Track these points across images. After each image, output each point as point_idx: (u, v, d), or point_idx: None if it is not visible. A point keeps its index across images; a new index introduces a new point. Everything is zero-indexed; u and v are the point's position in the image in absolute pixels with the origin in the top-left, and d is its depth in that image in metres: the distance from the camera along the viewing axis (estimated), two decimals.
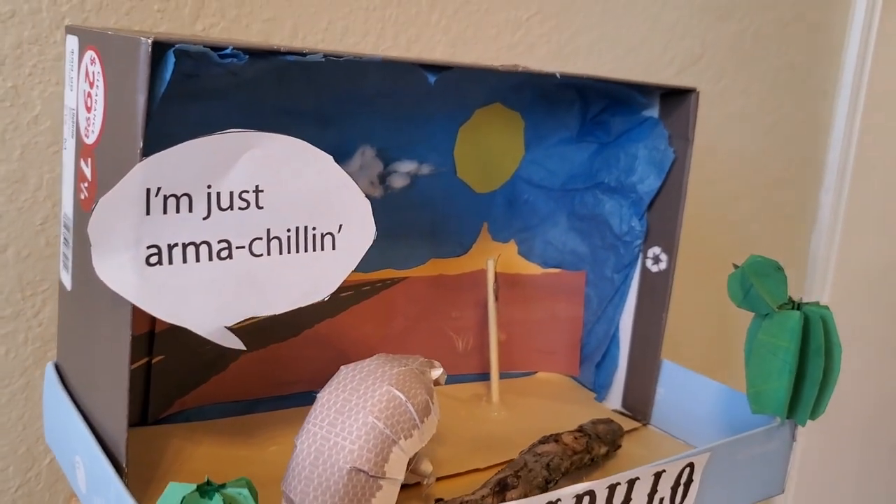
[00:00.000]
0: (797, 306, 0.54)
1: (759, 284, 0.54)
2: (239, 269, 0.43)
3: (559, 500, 0.45)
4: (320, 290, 0.46)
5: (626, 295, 0.68)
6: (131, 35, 0.40)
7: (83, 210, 0.46)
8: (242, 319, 0.44)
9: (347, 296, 0.65)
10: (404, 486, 0.52)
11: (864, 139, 1.20)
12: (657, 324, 0.65)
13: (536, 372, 0.74)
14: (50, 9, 0.63)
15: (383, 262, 0.66)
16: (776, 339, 0.54)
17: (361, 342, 0.65)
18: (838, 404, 1.01)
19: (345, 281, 0.64)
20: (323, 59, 0.45)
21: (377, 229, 0.65)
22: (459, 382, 0.70)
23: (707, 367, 0.67)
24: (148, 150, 0.40)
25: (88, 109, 0.45)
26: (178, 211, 0.41)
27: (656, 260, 0.65)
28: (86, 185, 0.46)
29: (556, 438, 0.52)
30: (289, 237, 0.44)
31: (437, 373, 0.50)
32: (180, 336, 0.56)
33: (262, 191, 0.43)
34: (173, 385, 0.57)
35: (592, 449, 0.54)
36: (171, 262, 0.41)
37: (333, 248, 0.46)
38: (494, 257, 0.66)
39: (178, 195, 0.41)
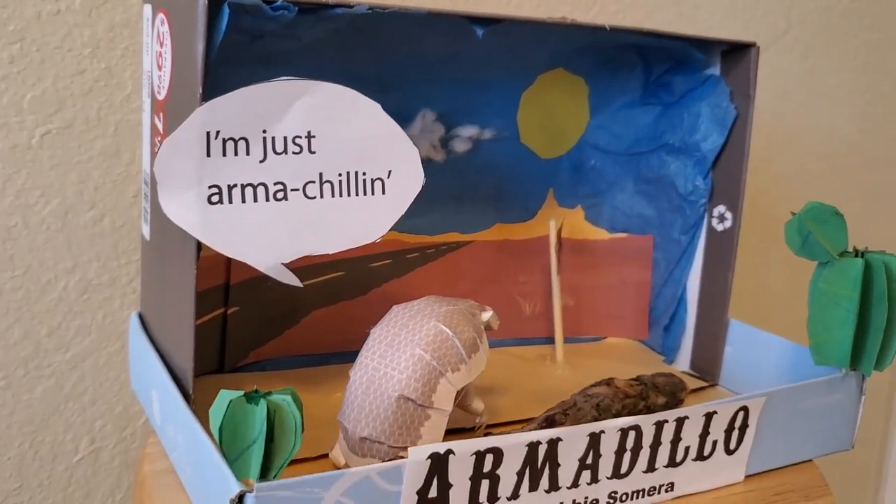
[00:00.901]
0: (860, 254, 0.53)
1: (818, 231, 0.53)
2: (293, 210, 0.46)
3: (603, 431, 0.45)
4: (371, 232, 0.48)
5: (693, 256, 0.68)
6: None
7: None
8: (297, 257, 0.46)
9: (413, 257, 0.67)
10: (460, 430, 0.53)
11: None
12: (723, 283, 0.65)
13: (605, 337, 0.74)
14: None
15: (448, 226, 0.68)
16: (837, 287, 0.53)
17: None
18: None
19: (411, 243, 0.67)
20: (369, 11, 0.48)
21: (440, 192, 0.67)
22: (526, 345, 0.71)
23: (779, 326, 0.66)
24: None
25: (160, 68, 0.49)
26: (236, 154, 0.44)
27: (721, 218, 0.65)
28: (159, 139, 0.50)
29: (608, 382, 0.53)
30: (340, 181, 0.47)
31: (486, 315, 0.51)
32: (253, 289, 0.60)
33: (314, 136, 0.46)
34: (248, 336, 0.61)
35: (648, 397, 0.54)
36: (230, 201, 0.44)
37: (383, 192, 0.48)
38: (557, 220, 0.68)
39: (236, 139, 0.44)
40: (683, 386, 0.59)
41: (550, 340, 0.71)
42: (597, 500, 0.47)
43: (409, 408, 0.45)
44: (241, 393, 0.37)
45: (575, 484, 0.46)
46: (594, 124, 0.71)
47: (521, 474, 0.43)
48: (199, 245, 0.45)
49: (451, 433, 0.51)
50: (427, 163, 0.65)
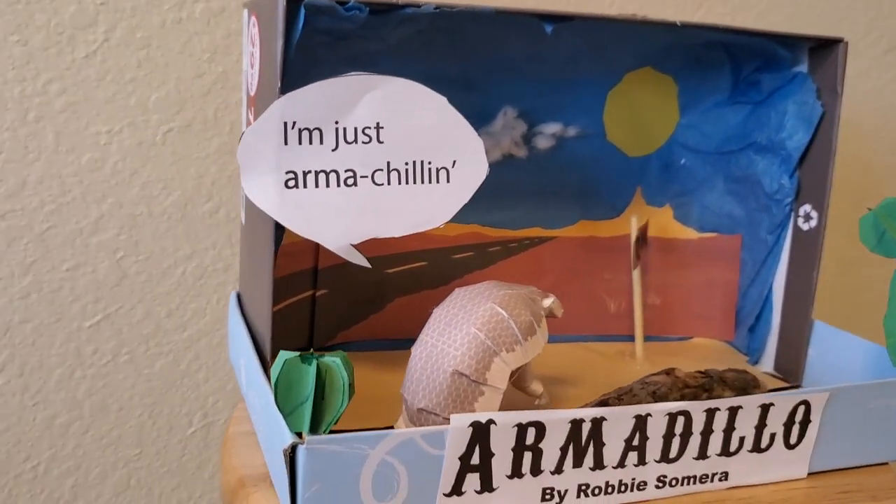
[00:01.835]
0: None
1: (894, 228, 0.52)
2: (362, 195, 0.49)
3: (650, 414, 0.46)
4: (435, 218, 0.51)
5: (780, 256, 0.67)
6: None
7: None
8: (364, 239, 0.50)
9: (495, 251, 0.69)
10: None
11: None
12: (808, 283, 0.64)
13: (692, 337, 0.74)
14: None
15: (531, 221, 0.70)
16: None
17: None
18: None
19: (493, 236, 0.70)
20: (436, 10, 0.51)
21: (523, 188, 0.69)
22: (610, 342, 0.72)
23: (864, 329, 0.64)
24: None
25: (252, 66, 0.54)
26: (310, 143, 0.48)
27: (807, 218, 0.64)
28: None
29: (668, 371, 0.53)
30: (406, 169, 0.50)
31: (548, 301, 0.53)
32: (339, 274, 0.65)
33: (382, 127, 0.49)
34: (336, 318, 0.65)
35: (713, 389, 0.54)
36: (305, 186, 0.48)
37: (448, 181, 0.51)
38: (638, 217, 0.68)
39: (311, 129, 0.48)
40: (757, 384, 0.58)
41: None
42: (644, 482, 0.48)
43: (464, 383, 0.48)
44: (297, 353, 0.41)
45: (621, 464, 0.47)
46: (684, 123, 0.71)
47: (564, 450, 0.45)
48: (282, 229, 0.50)
49: None
50: (509, 159, 0.68)
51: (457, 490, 0.44)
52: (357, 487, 0.42)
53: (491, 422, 0.43)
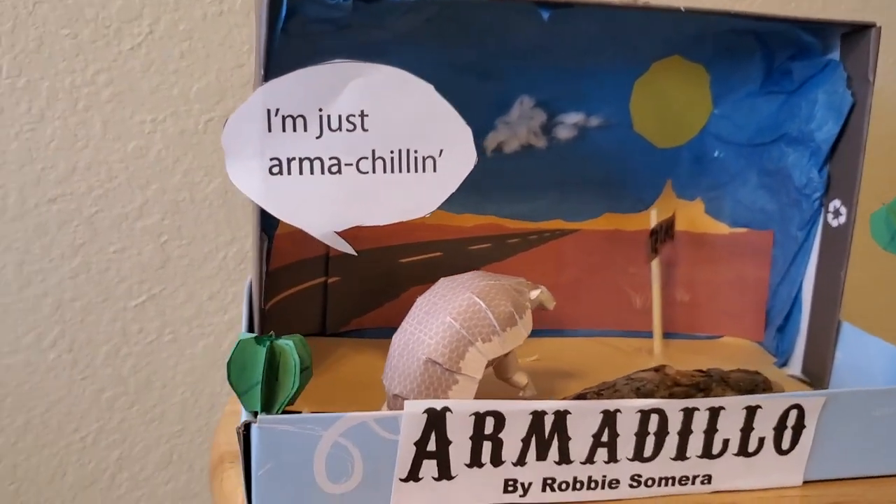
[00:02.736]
0: None
1: None
2: (347, 183, 0.50)
3: (618, 410, 0.45)
4: (421, 208, 0.51)
5: (810, 253, 0.64)
6: None
7: None
8: (349, 227, 0.50)
9: (515, 243, 0.69)
10: None
11: None
12: (836, 283, 0.60)
13: (722, 336, 0.71)
14: None
15: (553, 213, 0.69)
16: None
17: None
18: None
19: (511, 228, 0.69)
20: None
21: (543, 179, 0.68)
22: (632, 338, 0.70)
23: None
24: None
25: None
26: (294, 130, 0.49)
27: (836, 213, 0.61)
28: None
29: (657, 368, 0.52)
30: (392, 158, 0.50)
31: (535, 293, 0.52)
32: (350, 262, 0.65)
33: (367, 115, 0.50)
34: (349, 305, 0.66)
35: (709, 389, 0.52)
36: (289, 172, 0.49)
37: (435, 170, 0.51)
38: (663, 210, 0.66)
39: (294, 116, 0.49)
40: (768, 386, 0.56)
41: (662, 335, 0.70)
42: (617, 480, 0.47)
43: (437, 371, 0.48)
44: (253, 336, 0.42)
45: (590, 460, 0.46)
46: (717, 113, 0.69)
47: (526, 442, 0.45)
48: (265, 213, 0.51)
49: None
50: (528, 149, 0.67)
51: (413, 476, 0.44)
52: (311, 468, 0.43)
53: (446, 409, 0.43)
